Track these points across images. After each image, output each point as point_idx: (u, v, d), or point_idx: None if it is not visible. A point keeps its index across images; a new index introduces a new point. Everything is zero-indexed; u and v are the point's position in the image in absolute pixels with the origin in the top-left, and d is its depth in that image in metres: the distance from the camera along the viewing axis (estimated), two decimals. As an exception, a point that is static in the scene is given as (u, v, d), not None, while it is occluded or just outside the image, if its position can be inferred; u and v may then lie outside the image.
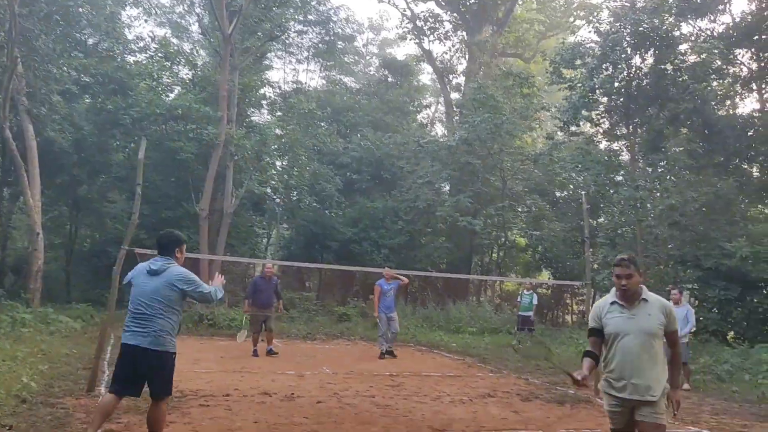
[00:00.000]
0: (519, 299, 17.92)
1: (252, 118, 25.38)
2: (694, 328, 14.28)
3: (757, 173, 22.02)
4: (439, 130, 37.71)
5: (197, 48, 28.44)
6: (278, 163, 25.67)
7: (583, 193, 13.91)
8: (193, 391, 8.21)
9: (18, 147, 17.39)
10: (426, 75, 40.48)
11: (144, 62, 22.63)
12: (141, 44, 23.99)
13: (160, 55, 22.84)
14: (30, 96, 17.96)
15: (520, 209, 28.26)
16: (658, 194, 17.89)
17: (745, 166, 21.45)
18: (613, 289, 4.44)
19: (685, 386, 11.20)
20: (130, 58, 22.95)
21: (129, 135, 21.01)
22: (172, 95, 23.37)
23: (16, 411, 6.50)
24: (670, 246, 19.00)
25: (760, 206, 22.18)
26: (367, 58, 42.36)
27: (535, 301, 17.63)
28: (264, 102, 26.56)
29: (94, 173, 21.77)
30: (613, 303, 4.41)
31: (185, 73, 24.41)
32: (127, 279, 5.56)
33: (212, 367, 10.53)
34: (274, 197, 26.13)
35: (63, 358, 10.14)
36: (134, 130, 20.61)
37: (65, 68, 19.85)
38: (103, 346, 8.15)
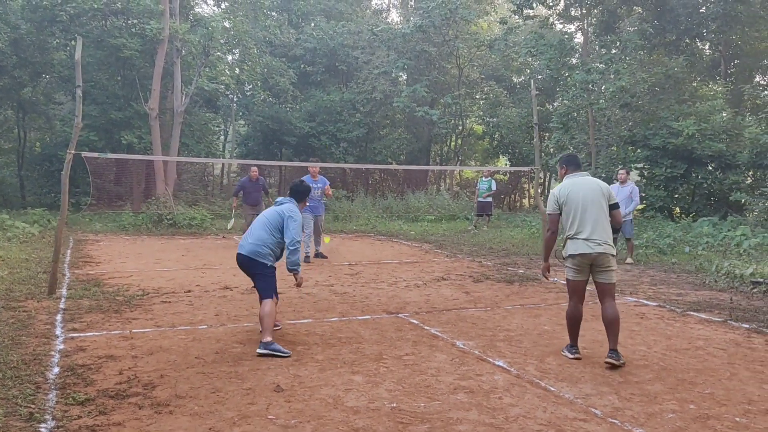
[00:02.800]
0: (477, 186, 18.32)
1: (196, 10, 24.27)
2: (640, 206, 14.94)
3: (709, 51, 22.25)
4: (395, 17, 36.66)
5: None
6: (228, 58, 24.89)
7: (532, 79, 13.96)
8: (155, 289, 8.42)
9: (-50, 49, 16.50)
10: (379, -42, 38.78)
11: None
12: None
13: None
14: (-43, -6, 16.84)
15: (477, 96, 28.25)
16: (611, 76, 18.03)
17: (698, 44, 21.61)
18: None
19: (629, 260, 11.87)
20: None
21: (68, 32, 20.01)
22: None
23: (-22, 316, 6.63)
24: (622, 127, 19.40)
25: (711, 84, 22.59)
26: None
27: (493, 187, 18.06)
28: (209, -8, 25.35)
29: (36, 74, 20.88)
30: None
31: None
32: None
33: (173, 266, 10.72)
34: (227, 93, 25.53)
35: (22, 263, 10.19)
36: (73, 26, 19.62)
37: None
38: (60, 249, 8.20)
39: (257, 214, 13.28)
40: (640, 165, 18.38)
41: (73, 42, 20.39)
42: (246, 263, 5.92)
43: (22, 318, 6.65)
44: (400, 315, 7.24)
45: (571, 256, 5.48)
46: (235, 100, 26.39)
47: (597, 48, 20.78)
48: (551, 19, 21.94)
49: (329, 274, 10.11)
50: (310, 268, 10.76)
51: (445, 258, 12.42)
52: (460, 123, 26.68)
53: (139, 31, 19.79)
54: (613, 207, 5.57)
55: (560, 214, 5.58)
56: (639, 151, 18.08)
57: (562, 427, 4.05)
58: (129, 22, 20.08)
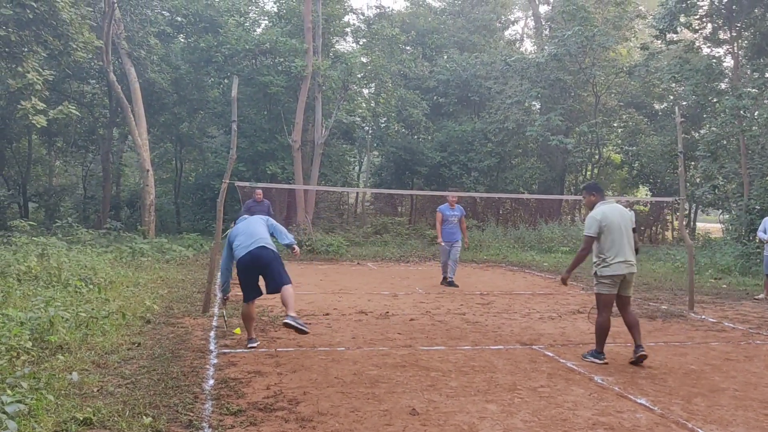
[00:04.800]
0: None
1: (337, 47, 25.52)
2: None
3: None
4: (528, 46, 36.44)
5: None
6: (365, 91, 25.86)
7: (676, 106, 13.34)
8: (296, 312, 8.85)
9: (123, 89, 18.51)
10: (513, -12, 38.76)
11: (231, -2, 23.11)
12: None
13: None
14: (129, 40, 18.91)
15: (615, 124, 27.30)
16: (766, 101, 16.78)
17: None
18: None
19: (760, 296, 11.00)
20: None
21: (222, 71, 21.78)
22: (259, 30, 23.83)
23: (143, 330, 7.32)
24: (778, 156, 17.94)
25: None
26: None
27: (633, 219, 17.26)
28: (348, 30, 26.57)
29: (193, 110, 22.86)
30: None
31: (270, 6, 24.81)
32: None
33: (312, 290, 11.22)
34: (363, 125, 26.48)
35: (179, 283, 11.11)
36: (226, 66, 21.33)
37: (159, 9, 20.69)
38: (214, 272, 8.88)
39: None
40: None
41: (226, 80, 22.16)
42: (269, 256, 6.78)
43: (180, 333, 7.26)
44: (534, 347, 7.14)
45: (612, 276, 6.29)
46: (369, 131, 27.31)
47: (749, 72, 19.46)
48: (697, 43, 20.84)
49: (461, 302, 10.15)
50: (441, 296, 10.87)
51: (580, 291, 12.05)
52: (597, 152, 25.87)
53: (285, 68, 21.15)
54: (634, 231, 6.58)
55: (597, 237, 6.36)
56: (799, 180, 16.62)
57: (711, 471, 3.84)
58: (276, 60, 21.53)
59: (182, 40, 23.15)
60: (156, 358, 6.10)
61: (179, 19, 22.06)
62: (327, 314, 8.76)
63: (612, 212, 6.43)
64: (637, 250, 6.59)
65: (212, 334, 7.28)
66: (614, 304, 6.52)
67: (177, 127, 22.86)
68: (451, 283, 12.01)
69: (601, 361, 6.37)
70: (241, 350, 6.56)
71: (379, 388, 5.35)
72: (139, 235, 17.11)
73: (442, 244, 11.94)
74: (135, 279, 10.80)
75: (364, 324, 8.18)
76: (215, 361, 6.11)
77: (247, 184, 10.09)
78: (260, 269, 6.67)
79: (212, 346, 6.69)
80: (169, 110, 21.92)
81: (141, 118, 18.73)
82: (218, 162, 22.42)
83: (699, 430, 4.55)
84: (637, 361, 6.27)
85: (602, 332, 6.41)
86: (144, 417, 4.42)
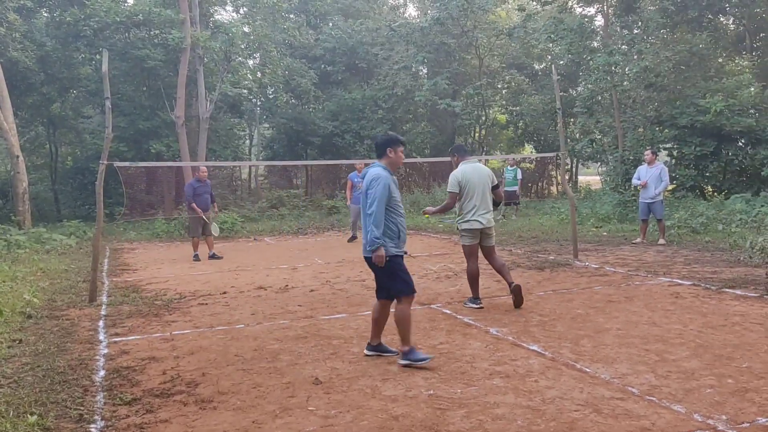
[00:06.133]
0: (503, 175, 18.25)
1: (216, 17, 24.55)
2: (670, 186, 14.77)
3: (732, 25, 21.82)
4: (412, 11, 36.59)
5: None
6: (250, 62, 25.15)
7: (553, 65, 13.91)
8: (192, 293, 8.60)
9: (-19, 71, 16.95)
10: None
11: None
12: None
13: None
14: (-16, 16, 17.30)
15: (499, 86, 28.10)
16: (634, 57, 17.79)
17: (721, 19, 21.21)
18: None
19: (661, 241, 11.75)
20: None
21: (93, 47, 20.42)
22: (130, 1, 22.49)
23: (24, 326, 6.84)
24: (648, 108, 19.12)
25: (737, 59, 22.16)
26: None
27: (519, 176, 17.97)
28: (227, -2, 25.61)
29: (64, 89, 21.36)
30: None
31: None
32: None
33: (208, 269, 10.91)
34: (250, 97, 25.78)
35: (62, 274, 10.47)
36: (97, 41, 20.00)
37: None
38: (98, 258, 8.41)
39: (206, 223, 11.90)
40: (668, 145, 18.14)
41: (98, 56, 20.81)
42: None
43: (66, 326, 6.85)
44: (432, 306, 7.30)
45: (470, 229, 6.88)
46: (258, 103, 26.63)
47: (618, 29, 20.52)
48: (570, 3, 21.70)
49: (360, 269, 10.19)
50: (341, 265, 10.88)
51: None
52: (483, 113, 26.58)
53: (161, 41, 20.11)
54: (495, 187, 7.04)
55: (459, 193, 6.89)
56: (667, 131, 17.83)
57: (599, 406, 4.08)
58: (151, 33, 20.41)
59: (45, 14, 21.46)
60: (40, 353, 5.73)
61: (39, -9, 20.40)
62: (224, 293, 8.55)
63: (472, 172, 6.93)
64: (498, 204, 7.20)
65: (101, 323, 6.92)
66: (480, 254, 7.11)
67: (47, 109, 21.30)
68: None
69: (477, 306, 6.97)
70: (133, 337, 6.27)
71: (281, 362, 5.29)
72: (14, 226, 15.92)
73: (350, 205, 13.83)
74: (12, 273, 10.06)
75: (264, 299, 8.05)
76: (105, 351, 5.82)
77: (128, 164, 9.59)
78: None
79: (102, 336, 6.36)
80: (36, 91, 20.34)
81: (5, 101, 17.25)
82: (96, 143, 21.11)
83: (587, 369, 4.83)
84: (515, 292, 6.83)
85: (472, 279, 7.06)
86: (29, 416, 4.15)
